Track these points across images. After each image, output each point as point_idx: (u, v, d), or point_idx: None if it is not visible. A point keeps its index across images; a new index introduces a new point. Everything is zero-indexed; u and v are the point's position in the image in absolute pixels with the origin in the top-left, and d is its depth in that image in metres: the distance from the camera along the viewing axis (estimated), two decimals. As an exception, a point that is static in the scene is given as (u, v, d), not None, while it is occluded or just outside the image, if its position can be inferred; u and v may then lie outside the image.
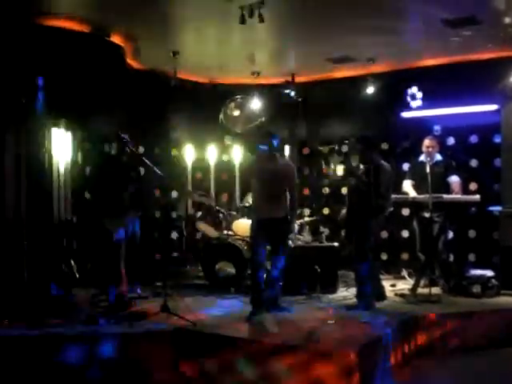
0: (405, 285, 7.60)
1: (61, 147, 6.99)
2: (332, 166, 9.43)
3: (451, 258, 7.84)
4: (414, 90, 8.34)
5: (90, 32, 6.78)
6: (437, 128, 8.25)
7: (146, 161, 6.32)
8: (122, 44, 7.30)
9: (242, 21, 5.87)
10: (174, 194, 9.46)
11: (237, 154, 8.98)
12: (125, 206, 6.46)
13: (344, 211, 6.95)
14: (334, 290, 7.27)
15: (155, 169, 6.24)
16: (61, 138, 6.99)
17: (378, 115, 8.70)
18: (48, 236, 6.42)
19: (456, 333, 6.13)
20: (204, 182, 9.45)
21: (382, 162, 6.60)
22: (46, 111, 6.30)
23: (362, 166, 6.62)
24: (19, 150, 6.15)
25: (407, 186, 7.53)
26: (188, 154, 9.22)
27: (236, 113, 8.87)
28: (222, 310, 6.46)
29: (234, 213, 8.12)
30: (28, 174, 6.22)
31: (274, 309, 6.36)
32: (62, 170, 7.04)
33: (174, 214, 9.52)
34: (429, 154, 7.40)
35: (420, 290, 7.05)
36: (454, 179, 7.36)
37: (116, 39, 7.14)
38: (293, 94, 8.74)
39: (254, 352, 5.19)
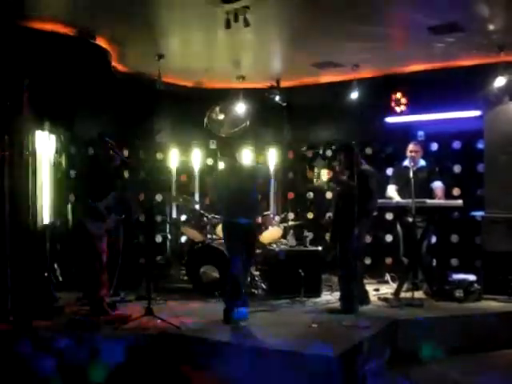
0: (388, 289, 7.64)
1: (45, 150, 6.95)
2: (316, 171, 9.46)
3: (434, 262, 7.89)
4: (398, 95, 8.41)
5: (76, 35, 6.76)
6: (421, 133, 8.32)
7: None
8: (107, 47, 7.29)
9: (228, 25, 5.89)
10: (159, 197, 9.42)
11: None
12: (108, 209, 6.41)
13: (329, 215, 6.98)
14: (317, 294, 7.29)
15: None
16: (45, 141, 6.96)
17: (362, 120, 8.74)
18: (31, 240, 6.37)
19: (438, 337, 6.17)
20: (188, 185, 9.45)
21: (366, 166, 6.71)
22: (31, 113, 6.27)
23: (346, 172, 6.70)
24: (3, 152, 6.11)
25: (391, 190, 7.59)
26: (173, 157, 9.22)
27: (221, 117, 8.88)
28: (205, 314, 6.45)
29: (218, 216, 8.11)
30: (11, 176, 6.18)
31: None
32: (46, 173, 7.00)
33: (158, 218, 9.50)
34: (412, 159, 7.43)
35: (403, 294, 7.09)
36: (437, 184, 7.42)
37: (101, 42, 7.12)
38: (278, 98, 8.77)
39: (236, 356, 5.19)
